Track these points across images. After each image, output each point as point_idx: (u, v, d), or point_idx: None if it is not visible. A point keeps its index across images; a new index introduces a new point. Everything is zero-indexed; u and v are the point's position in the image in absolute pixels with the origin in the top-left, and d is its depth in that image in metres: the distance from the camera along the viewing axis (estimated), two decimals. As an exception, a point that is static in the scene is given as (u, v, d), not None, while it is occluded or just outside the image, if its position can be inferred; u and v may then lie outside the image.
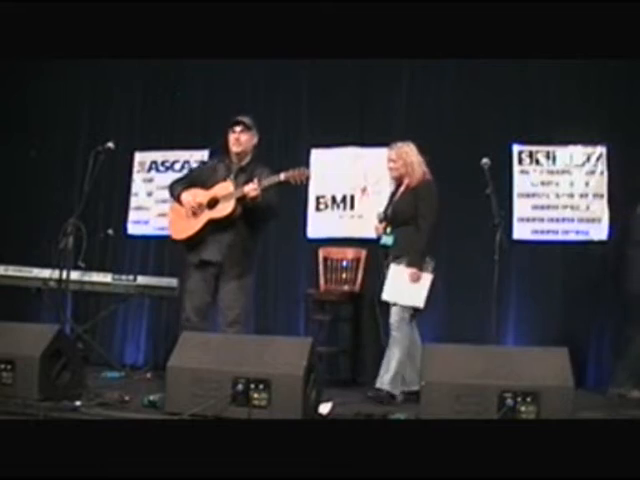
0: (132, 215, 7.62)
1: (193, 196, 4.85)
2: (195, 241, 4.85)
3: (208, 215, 4.79)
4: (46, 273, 6.09)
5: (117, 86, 7.95)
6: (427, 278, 5.02)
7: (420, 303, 5.03)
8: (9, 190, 7.85)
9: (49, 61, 6.60)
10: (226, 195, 4.75)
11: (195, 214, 4.83)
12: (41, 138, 7.90)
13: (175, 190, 4.99)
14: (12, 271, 6.41)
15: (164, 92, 7.79)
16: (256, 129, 5.02)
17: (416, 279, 4.98)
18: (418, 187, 5.12)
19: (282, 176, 4.69)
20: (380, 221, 5.25)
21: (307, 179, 4.73)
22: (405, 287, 5.00)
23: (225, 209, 4.73)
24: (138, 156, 7.76)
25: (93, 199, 5.21)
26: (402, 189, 5.20)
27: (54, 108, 7.93)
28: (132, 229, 7.59)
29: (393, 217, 5.17)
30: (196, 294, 4.85)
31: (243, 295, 4.85)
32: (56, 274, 5.28)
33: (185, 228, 4.87)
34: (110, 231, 6.72)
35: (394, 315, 5.01)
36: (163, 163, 7.49)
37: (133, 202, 7.66)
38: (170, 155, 7.44)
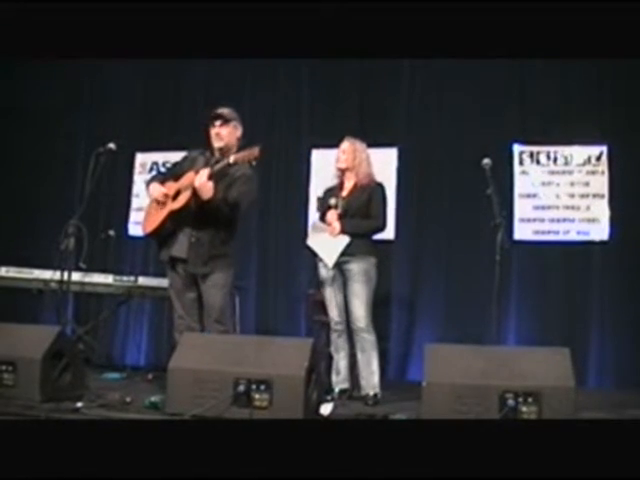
0: (133, 216, 7.64)
1: (161, 187, 4.63)
2: (162, 235, 4.63)
3: (169, 207, 4.55)
4: (47, 274, 6.08)
5: (118, 86, 7.97)
6: (343, 240, 4.98)
7: (330, 261, 5.00)
8: (10, 191, 7.87)
9: (49, 61, 6.61)
10: (188, 185, 4.47)
11: (161, 205, 4.61)
12: (42, 139, 7.91)
13: (149, 184, 4.79)
14: (13, 272, 6.41)
15: (165, 93, 7.81)
16: (238, 120, 4.77)
17: (333, 231, 4.99)
18: (370, 186, 5.11)
19: (231, 159, 4.39)
20: (329, 208, 5.13)
21: (256, 158, 4.36)
22: (327, 241, 5.02)
23: (181, 200, 4.48)
24: (139, 157, 7.79)
25: (94, 200, 5.20)
26: (350, 185, 5.16)
27: (54, 109, 7.95)
28: (133, 230, 7.60)
29: (345, 212, 5.06)
30: (181, 292, 4.68)
31: (219, 295, 4.61)
32: (57, 275, 5.26)
33: (152, 221, 4.65)
34: (111, 232, 6.71)
35: (362, 320, 4.94)
36: (164, 164, 7.48)
37: (134, 203, 7.68)
38: (171, 156, 7.42)
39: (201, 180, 4.35)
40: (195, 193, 4.40)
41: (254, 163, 4.42)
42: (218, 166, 4.45)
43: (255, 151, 4.34)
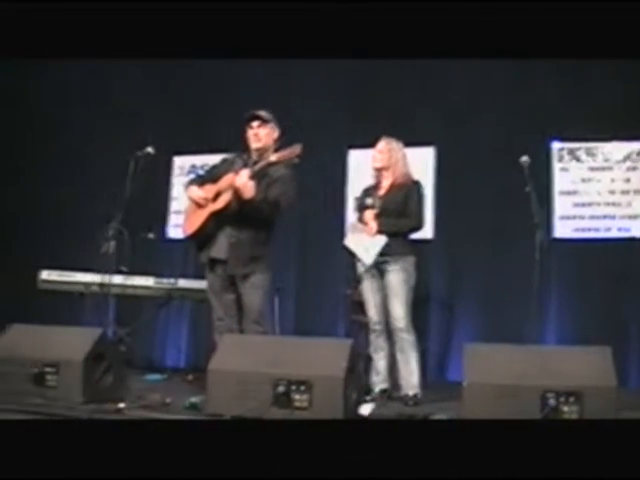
0: (172, 219, 7.71)
1: (200, 190, 4.68)
2: (203, 237, 4.66)
3: (210, 208, 4.59)
4: (89, 277, 6.17)
5: (155, 89, 8.03)
6: (381, 239, 5.00)
7: (368, 260, 5.01)
8: (51, 196, 7.97)
9: (86, 64, 6.69)
10: (227, 186, 4.50)
11: (201, 208, 4.65)
12: (80, 143, 8.01)
13: (187, 187, 4.83)
14: (56, 276, 6.51)
15: (202, 95, 7.85)
16: (275, 123, 4.79)
17: (370, 231, 5.01)
18: (406, 185, 5.13)
19: (273, 157, 4.44)
20: (366, 208, 5.14)
21: (298, 156, 4.39)
22: (365, 240, 5.04)
23: (222, 201, 4.52)
24: (177, 160, 7.85)
25: (134, 204, 5.25)
26: (387, 184, 5.18)
27: (93, 112, 8.04)
28: (173, 233, 7.66)
29: (382, 211, 5.06)
30: (220, 293, 4.73)
31: (257, 296, 4.65)
32: (98, 278, 5.34)
33: (192, 223, 4.69)
34: (151, 235, 6.77)
35: (401, 320, 4.95)
36: (202, 167, 7.52)
37: (173, 206, 7.75)
38: (209, 159, 7.45)
39: (242, 180, 4.38)
40: (236, 193, 4.43)
41: (296, 161, 4.45)
42: (259, 165, 4.49)
43: (297, 149, 4.37)
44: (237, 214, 4.52)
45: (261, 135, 4.71)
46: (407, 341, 4.97)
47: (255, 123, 4.72)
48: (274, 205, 4.59)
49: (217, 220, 4.60)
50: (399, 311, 4.95)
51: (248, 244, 4.60)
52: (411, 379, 4.96)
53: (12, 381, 4.14)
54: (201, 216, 4.64)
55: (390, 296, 5.00)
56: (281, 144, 4.65)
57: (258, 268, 4.64)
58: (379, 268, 5.04)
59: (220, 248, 4.62)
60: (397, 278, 4.97)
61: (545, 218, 4.81)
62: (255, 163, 4.59)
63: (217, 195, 4.60)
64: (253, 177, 4.42)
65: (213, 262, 4.69)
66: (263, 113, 4.76)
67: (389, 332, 5.09)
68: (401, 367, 5.01)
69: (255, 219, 4.57)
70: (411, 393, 4.92)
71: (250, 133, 4.75)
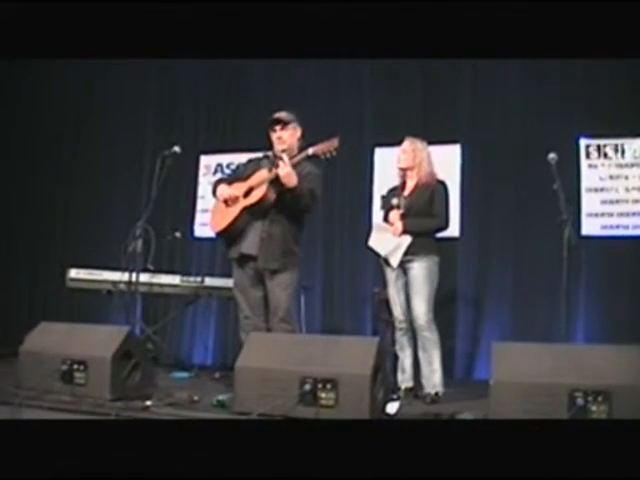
0: (199, 218, 7.74)
1: (229, 187, 4.75)
2: (233, 233, 4.71)
3: (242, 203, 4.65)
4: (116, 276, 6.20)
5: (181, 89, 8.07)
6: (406, 240, 5.00)
7: (394, 262, 5.02)
8: (80, 196, 8.05)
9: (112, 64, 6.72)
10: (260, 181, 4.60)
11: (231, 204, 4.70)
12: (108, 143, 8.07)
13: (214, 186, 4.90)
14: (83, 274, 6.56)
15: (228, 94, 7.88)
16: (297, 121, 4.85)
17: (396, 231, 5.01)
18: (431, 184, 5.11)
19: (310, 150, 4.49)
20: (390, 209, 5.14)
21: (336, 149, 4.43)
22: (389, 241, 5.04)
23: (256, 195, 4.58)
24: (204, 159, 7.89)
25: (160, 203, 5.28)
26: (412, 184, 5.17)
27: (120, 112, 8.11)
28: (199, 231, 7.70)
29: (408, 211, 5.06)
30: (247, 291, 4.76)
31: (286, 294, 4.68)
32: (126, 277, 5.36)
33: (222, 220, 4.74)
34: (178, 234, 6.80)
35: (422, 316, 4.94)
36: (228, 166, 7.56)
37: (200, 205, 7.78)
38: (235, 158, 7.49)
39: (286, 170, 4.44)
40: (278, 183, 4.50)
41: (334, 154, 4.46)
42: (296, 159, 4.56)
43: (335, 142, 4.43)
44: (273, 207, 4.61)
45: (284, 137, 4.78)
46: (429, 340, 4.96)
47: (277, 126, 4.79)
48: (311, 195, 4.65)
49: (249, 215, 4.66)
50: (420, 308, 4.95)
51: (280, 239, 4.65)
52: (433, 378, 4.94)
53: (40, 378, 4.18)
54: (232, 212, 4.70)
55: (412, 294, 5.00)
56: (307, 143, 4.67)
57: (289, 264, 4.68)
58: (403, 267, 5.04)
59: (251, 244, 4.66)
60: (420, 276, 4.97)
61: (574, 215, 4.75)
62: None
63: (248, 191, 4.66)
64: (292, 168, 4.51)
65: (243, 258, 4.72)
66: (283, 115, 4.82)
67: (414, 330, 5.08)
68: (423, 366, 5.00)
69: (295, 209, 4.64)
70: (433, 392, 4.90)
71: (274, 137, 4.82)
